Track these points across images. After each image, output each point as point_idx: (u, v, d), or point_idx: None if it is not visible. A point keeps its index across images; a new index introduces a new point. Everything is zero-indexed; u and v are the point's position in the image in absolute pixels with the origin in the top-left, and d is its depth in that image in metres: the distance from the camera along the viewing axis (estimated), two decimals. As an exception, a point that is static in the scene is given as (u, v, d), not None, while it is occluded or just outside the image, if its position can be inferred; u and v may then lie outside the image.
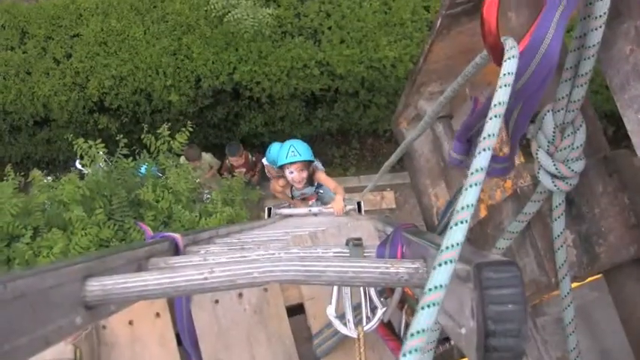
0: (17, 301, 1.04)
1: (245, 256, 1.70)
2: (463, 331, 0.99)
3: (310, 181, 7.22)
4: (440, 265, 0.91)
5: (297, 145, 6.85)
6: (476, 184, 1.02)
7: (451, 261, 0.92)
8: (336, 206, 6.32)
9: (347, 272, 1.28)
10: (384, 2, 9.79)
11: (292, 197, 7.66)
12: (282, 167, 6.95)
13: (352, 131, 11.51)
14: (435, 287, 0.88)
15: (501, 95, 1.16)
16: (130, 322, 2.63)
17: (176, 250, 2.00)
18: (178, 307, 2.54)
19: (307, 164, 6.90)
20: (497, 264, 0.93)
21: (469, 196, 1.00)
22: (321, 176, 7.20)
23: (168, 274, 1.33)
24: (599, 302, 2.09)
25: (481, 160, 1.05)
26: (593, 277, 1.78)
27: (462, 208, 0.99)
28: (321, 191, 7.68)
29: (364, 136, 11.83)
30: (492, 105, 1.15)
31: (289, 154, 6.74)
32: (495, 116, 1.13)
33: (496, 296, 0.90)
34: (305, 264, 1.32)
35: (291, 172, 6.90)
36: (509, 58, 1.23)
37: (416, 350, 0.84)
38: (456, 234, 0.95)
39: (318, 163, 7.59)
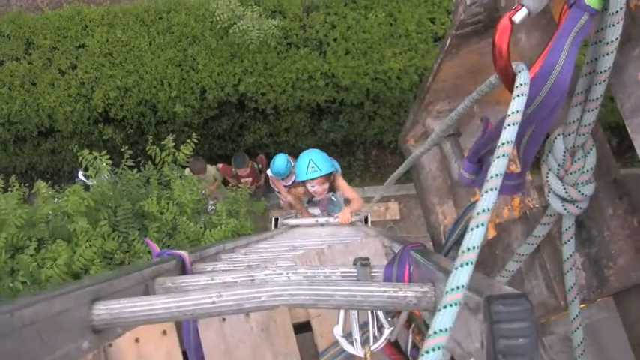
0: (26, 329, 1.03)
1: (252, 277, 1.70)
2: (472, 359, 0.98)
3: (331, 188, 6.99)
4: (445, 307, 0.90)
5: (316, 158, 6.52)
6: (482, 225, 1.01)
7: (456, 304, 0.91)
8: (342, 216, 6.17)
9: (355, 296, 1.28)
10: (390, 14, 9.79)
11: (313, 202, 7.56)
12: (303, 182, 6.74)
13: (357, 142, 11.51)
14: (440, 330, 0.88)
15: (509, 134, 1.15)
16: (137, 340, 2.62)
17: (183, 268, 1.99)
18: (186, 325, 2.53)
19: (328, 177, 6.63)
20: (508, 297, 0.92)
21: (475, 238, 0.99)
22: (341, 184, 6.96)
23: (175, 298, 1.32)
24: (606, 322, 2.08)
25: (488, 200, 1.04)
26: (599, 299, 1.77)
27: (468, 249, 0.98)
28: (334, 198, 7.41)
29: (369, 148, 11.83)
30: (500, 143, 1.14)
31: (309, 170, 6.45)
32: (503, 155, 1.12)
33: (506, 330, 0.89)
34: (313, 287, 1.31)
35: (313, 187, 6.67)
36: (518, 95, 1.22)
37: None
38: (462, 275, 0.94)
39: (336, 165, 7.37)
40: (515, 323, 0.89)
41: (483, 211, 1.03)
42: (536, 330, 0.91)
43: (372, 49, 9.61)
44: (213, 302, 1.30)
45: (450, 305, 0.90)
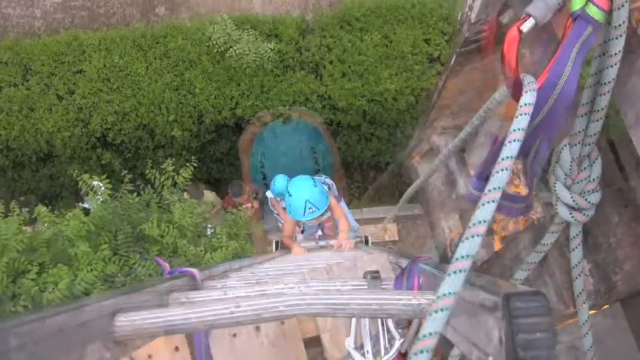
0: (55, 337, 1.06)
1: (264, 291, 1.73)
2: (490, 359, 1.01)
3: None
4: (436, 312, 0.92)
5: (312, 197, 5.74)
6: (478, 235, 1.03)
7: (447, 309, 0.93)
8: (345, 243, 5.66)
9: (371, 304, 1.31)
10: (385, 36, 9.87)
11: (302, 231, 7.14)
12: None
13: (354, 164, 11.54)
14: (430, 334, 0.90)
15: (510, 150, 1.17)
16: (150, 357, 2.64)
17: (193, 285, 2.03)
18: (197, 341, 2.55)
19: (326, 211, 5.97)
20: (526, 294, 0.96)
21: (468, 247, 1.00)
22: (332, 202, 6.10)
23: (195, 309, 1.35)
24: (612, 330, 2.10)
25: (485, 212, 1.05)
26: (606, 306, 1.79)
27: (462, 257, 1.00)
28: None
29: (366, 169, 11.86)
30: (501, 158, 1.15)
31: (307, 211, 5.76)
32: (503, 170, 1.13)
33: (525, 325, 0.93)
34: (329, 297, 1.34)
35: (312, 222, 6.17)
36: (521, 115, 1.25)
37: None
38: (454, 282, 0.96)
39: (331, 185, 6.85)
40: (534, 318, 0.93)
41: (480, 222, 1.04)
42: (553, 325, 0.94)
43: (368, 70, 9.68)
44: (232, 312, 1.33)
45: (441, 310, 0.92)
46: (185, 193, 8.87)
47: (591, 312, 1.76)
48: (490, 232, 2.69)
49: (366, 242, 6.57)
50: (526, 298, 0.94)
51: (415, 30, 9.87)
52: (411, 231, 11.29)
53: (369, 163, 11.49)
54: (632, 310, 1.66)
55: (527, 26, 1.40)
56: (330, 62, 9.80)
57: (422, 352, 0.89)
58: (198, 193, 9.83)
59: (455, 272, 0.97)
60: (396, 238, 11.37)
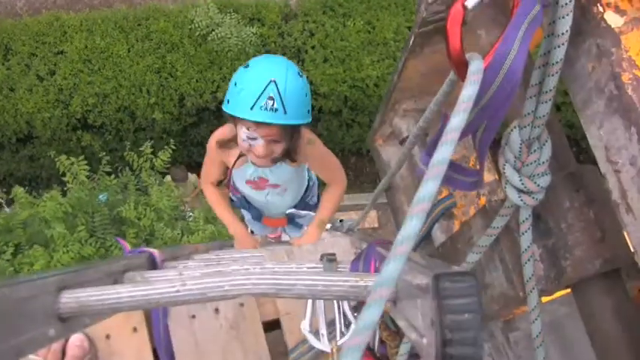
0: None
1: (219, 271, 1.72)
2: (424, 341, 1.01)
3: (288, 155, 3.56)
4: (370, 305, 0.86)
5: (286, 85, 3.02)
6: (418, 216, 0.95)
7: (380, 304, 0.86)
8: (306, 238, 3.82)
9: (317, 285, 1.30)
10: (368, 22, 9.86)
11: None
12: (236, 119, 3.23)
13: (335, 150, 11.52)
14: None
15: (457, 121, 1.10)
16: (107, 337, 2.64)
17: (154, 265, 2.02)
18: (155, 322, 2.55)
19: (289, 130, 3.32)
20: (454, 274, 0.95)
21: (408, 230, 0.93)
22: (312, 152, 3.85)
23: (141, 287, 1.34)
24: (570, 317, 2.11)
25: (427, 189, 0.97)
26: (563, 292, 1.79)
27: (401, 242, 0.93)
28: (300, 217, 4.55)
29: (347, 156, 11.85)
30: (447, 129, 1.08)
31: (262, 100, 3.00)
32: (448, 142, 1.05)
33: (453, 305, 0.92)
34: (276, 277, 1.34)
35: (253, 141, 3.24)
36: (470, 83, 1.21)
37: None
38: (392, 269, 0.90)
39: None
40: (462, 299, 0.92)
41: (421, 199, 0.96)
42: (481, 306, 0.93)
43: (350, 56, 9.67)
44: (178, 291, 1.32)
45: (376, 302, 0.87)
46: (168, 176, 8.86)
47: (545, 299, 1.76)
48: (451, 216, 2.70)
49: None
50: (455, 278, 0.93)
51: (398, 17, 9.88)
52: (391, 218, 11.29)
53: (350, 150, 11.48)
54: (582, 296, 1.67)
55: (471, 1, 1.36)
56: (313, 47, 9.78)
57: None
58: (184, 175, 9.83)
59: (395, 259, 0.91)
60: (376, 225, 11.40)
